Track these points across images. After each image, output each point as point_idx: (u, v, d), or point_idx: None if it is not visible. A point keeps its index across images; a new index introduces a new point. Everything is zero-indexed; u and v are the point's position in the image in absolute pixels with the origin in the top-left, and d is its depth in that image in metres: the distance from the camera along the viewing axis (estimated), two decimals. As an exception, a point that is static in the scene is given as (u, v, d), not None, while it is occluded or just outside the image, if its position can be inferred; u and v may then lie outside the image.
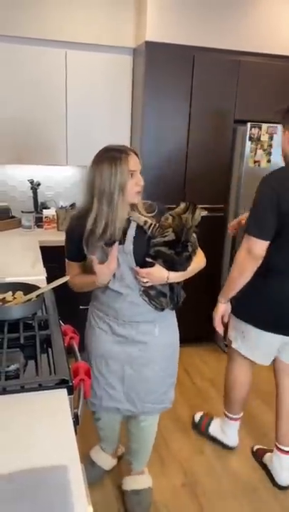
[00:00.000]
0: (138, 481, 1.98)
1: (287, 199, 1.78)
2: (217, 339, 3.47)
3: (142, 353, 1.71)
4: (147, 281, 1.61)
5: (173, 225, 1.58)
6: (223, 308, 2.08)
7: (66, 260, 1.79)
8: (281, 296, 1.90)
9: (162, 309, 1.69)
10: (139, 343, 1.70)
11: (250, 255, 1.84)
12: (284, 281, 1.89)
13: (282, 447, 2.09)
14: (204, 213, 1.64)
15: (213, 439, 2.38)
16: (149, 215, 1.65)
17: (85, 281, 1.71)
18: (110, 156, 1.53)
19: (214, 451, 2.33)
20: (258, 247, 1.81)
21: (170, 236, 1.58)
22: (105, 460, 2.10)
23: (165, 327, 1.76)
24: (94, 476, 2.05)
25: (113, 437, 2.07)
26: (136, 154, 1.59)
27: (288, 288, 1.88)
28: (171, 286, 1.68)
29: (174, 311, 1.80)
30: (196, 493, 2.04)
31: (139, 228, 1.62)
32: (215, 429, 2.38)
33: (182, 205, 1.62)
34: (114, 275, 1.62)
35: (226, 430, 2.32)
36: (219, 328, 2.09)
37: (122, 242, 1.60)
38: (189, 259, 1.66)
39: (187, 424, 2.53)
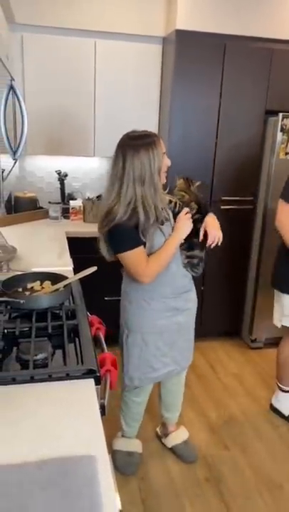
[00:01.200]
0: (182, 434, 2.26)
1: None
2: (243, 334, 3.42)
3: (187, 317, 1.93)
4: (213, 242, 1.79)
5: (192, 198, 1.82)
6: None
7: (129, 253, 1.65)
8: None
9: (198, 274, 1.90)
10: (185, 310, 1.91)
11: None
12: None
13: None
14: (198, 183, 1.88)
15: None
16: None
17: (161, 256, 1.69)
18: (145, 143, 1.59)
19: (239, 446, 2.30)
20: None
21: (194, 207, 1.81)
22: (137, 443, 2.17)
23: (194, 292, 1.98)
24: (136, 463, 2.12)
25: (141, 415, 2.15)
26: None
27: None
28: (206, 250, 1.87)
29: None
30: (220, 489, 2.03)
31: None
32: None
33: (180, 181, 1.85)
34: None
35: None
36: None
37: (167, 219, 1.72)
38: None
39: (211, 419, 2.51)
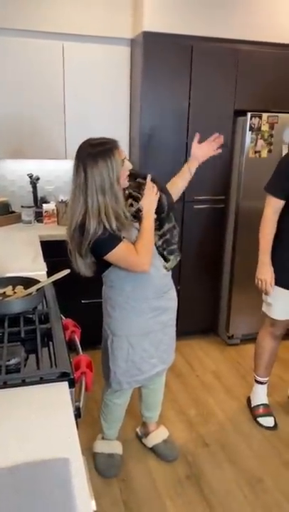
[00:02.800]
0: (161, 433, 2.27)
1: None
2: (219, 331, 3.46)
3: (170, 316, 1.97)
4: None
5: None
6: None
7: (115, 250, 1.64)
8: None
9: (176, 253, 1.88)
10: (168, 309, 1.95)
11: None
12: None
13: None
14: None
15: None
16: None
17: (143, 237, 1.69)
18: (102, 152, 1.57)
19: (218, 443, 2.33)
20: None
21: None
22: (117, 445, 2.18)
23: (173, 290, 2.00)
24: (117, 465, 2.11)
25: (122, 417, 2.16)
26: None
27: None
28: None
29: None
30: (201, 486, 2.04)
31: None
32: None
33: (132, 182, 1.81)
34: None
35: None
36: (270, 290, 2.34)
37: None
38: None
39: (191, 417, 2.53)
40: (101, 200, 1.59)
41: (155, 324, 1.90)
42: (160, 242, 1.82)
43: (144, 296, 1.83)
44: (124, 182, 1.69)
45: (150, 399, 2.22)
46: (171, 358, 2.08)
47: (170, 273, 1.93)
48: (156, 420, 2.29)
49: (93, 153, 1.58)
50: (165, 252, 1.84)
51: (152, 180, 1.78)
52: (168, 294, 1.93)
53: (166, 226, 1.83)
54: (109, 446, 2.15)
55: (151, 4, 2.71)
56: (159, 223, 1.81)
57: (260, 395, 2.54)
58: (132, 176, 1.76)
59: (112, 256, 1.66)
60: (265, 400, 2.53)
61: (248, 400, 2.61)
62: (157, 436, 2.25)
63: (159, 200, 1.77)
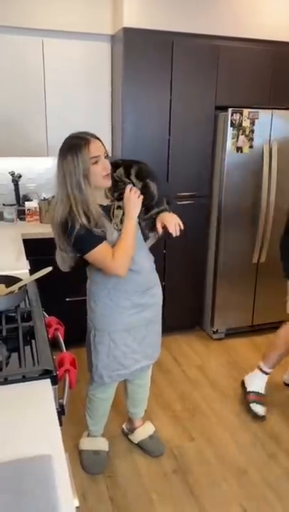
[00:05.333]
0: (147, 429, 2.28)
1: None
2: (204, 326, 3.48)
3: (154, 312, 1.97)
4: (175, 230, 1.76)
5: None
6: None
7: (92, 251, 1.64)
8: None
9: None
10: (152, 305, 1.94)
11: None
12: None
13: None
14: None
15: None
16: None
17: (122, 242, 1.68)
18: (71, 145, 1.58)
19: (204, 436, 2.35)
20: None
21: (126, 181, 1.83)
22: (103, 442, 2.18)
23: (158, 286, 2.00)
24: (103, 462, 2.11)
25: (107, 413, 2.15)
26: (98, 139, 1.63)
27: None
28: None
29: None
30: (187, 479, 2.06)
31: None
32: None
33: (119, 169, 1.80)
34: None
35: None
36: None
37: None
38: None
39: (177, 411, 2.54)
40: (71, 195, 1.58)
41: (138, 320, 1.90)
42: (143, 224, 1.84)
43: (126, 292, 1.83)
44: (102, 182, 1.64)
45: (136, 395, 2.22)
46: (156, 354, 2.09)
47: (154, 269, 1.94)
48: (142, 416, 2.30)
49: (64, 148, 1.60)
50: (146, 231, 1.86)
51: (141, 168, 1.78)
52: (152, 290, 1.93)
53: (154, 210, 1.81)
54: (95, 443, 2.15)
55: (131, 0, 2.70)
56: (146, 209, 1.80)
57: (259, 384, 2.56)
58: (119, 165, 1.77)
59: (89, 256, 1.66)
60: (262, 390, 2.56)
61: (243, 383, 2.65)
62: (143, 431, 2.26)
63: (148, 189, 1.77)
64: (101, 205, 1.70)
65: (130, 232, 1.71)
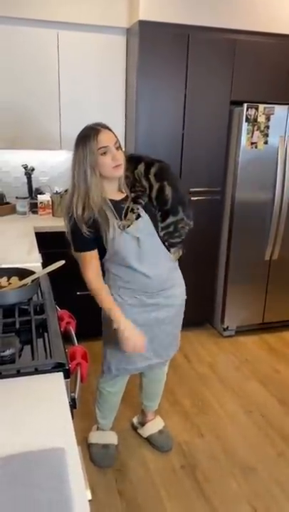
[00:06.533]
0: (158, 423, 2.28)
1: None
2: (215, 323, 3.47)
3: (168, 313, 1.90)
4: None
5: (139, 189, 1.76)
6: None
7: (79, 254, 1.70)
8: None
9: (178, 245, 1.83)
10: (166, 306, 1.87)
11: None
12: None
13: None
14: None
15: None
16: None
17: (102, 301, 1.75)
18: (82, 136, 1.59)
19: (213, 433, 2.34)
20: None
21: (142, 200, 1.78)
22: (112, 435, 2.18)
23: (179, 286, 1.94)
24: (112, 455, 2.12)
25: (116, 406, 2.15)
26: (109, 129, 1.61)
27: None
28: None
29: (180, 273, 1.96)
30: (195, 475, 2.06)
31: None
32: None
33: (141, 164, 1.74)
34: (140, 250, 1.71)
35: None
36: None
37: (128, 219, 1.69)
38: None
39: (186, 408, 2.54)
40: (76, 185, 1.60)
41: (148, 320, 1.86)
42: (162, 234, 1.76)
43: (134, 291, 1.80)
44: (112, 173, 1.61)
45: (149, 389, 2.22)
46: (170, 354, 2.05)
47: (174, 271, 1.89)
48: (155, 409, 2.30)
49: (76, 138, 1.61)
50: (166, 244, 1.79)
51: (162, 168, 1.72)
52: (167, 292, 1.85)
53: (171, 219, 1.73)
54: (104, 436, 2.16)
55: (147, -8, 2.67)
56: (162, 215, 1.74)
57: None
58: (141, 160, 1.72)
59: (76, 255, 1.71)
60: None
61: None
62: (153, 426, 2.26)
63: (162, 193, 1.71)
64: (112, 200, 1.67)
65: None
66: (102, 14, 2.85)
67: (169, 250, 1.80)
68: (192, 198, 3.02)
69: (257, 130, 2.92)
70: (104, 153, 1.57)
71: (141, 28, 2.70)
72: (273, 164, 3.02)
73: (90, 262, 1.71)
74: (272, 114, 2.91)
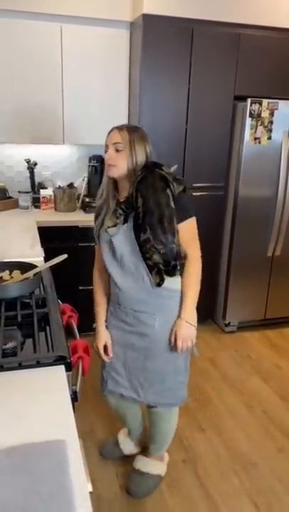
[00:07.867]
0: (147, 464, 1.96)
1: None
2: (216, 318, 3.47)
3: (143, 343, 1.66)
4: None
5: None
6: None
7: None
8: None
9: (160, 283, 1.55)
10: (139, 333, 1.66)
11: None
12: None
13: None
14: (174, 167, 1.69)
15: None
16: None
17: (96, 302, 1.79)
18: None
19: (214, 428, 2.34)
20: None
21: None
22: (127, 445, 2.09)
23: (166, 322, 1.64)
24: (111, 453, 2.10)
25: (132, 424, 2.02)
26: (122, 131, 1.52)
27: None
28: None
29: (177, 304, 1.65)
30: (196, 470, 2.06)
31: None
32: None
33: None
34: (114, 256, 1.60)
35: None
36: None
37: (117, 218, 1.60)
38: None
39: (187, 403, 2.54)
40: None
41: (120, 338, 1.71)
42: (140, 250, 1.55)
43: (112, 299, 1.73)
44: (106, 170, 1.58)
45: (150, 426, 1.94)
46: (149, 399, 1.74)
47: (154, 295, 1.60)
48: (154, 455, 1.98)
49: None
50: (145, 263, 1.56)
51: (143, 178, 1.50)
52: (141, 316, 1.63)
53: (142, 236, 1.50)
54: (123, 438, 2.10)
55: (151, -14, 2.65)
56: (135, 229, 1.53)
57: None
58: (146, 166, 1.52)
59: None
60: None
61: None
62: (143, 463, 1.97)
63: (136, 203, 1.50)
64: (118, 200, 1.62)
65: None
66: (106, 8, 2.84)
67: (150, 272, 1.56)
68: (194, 194, 3.01)
69: (260, 125, 2.90)
70: (106, 151, 1.58)
71: (145, 22, 2.69)
72: (277, 160, 3.00)
73: (96, 255, 1.77)
74: (276, 109, 2.89)
